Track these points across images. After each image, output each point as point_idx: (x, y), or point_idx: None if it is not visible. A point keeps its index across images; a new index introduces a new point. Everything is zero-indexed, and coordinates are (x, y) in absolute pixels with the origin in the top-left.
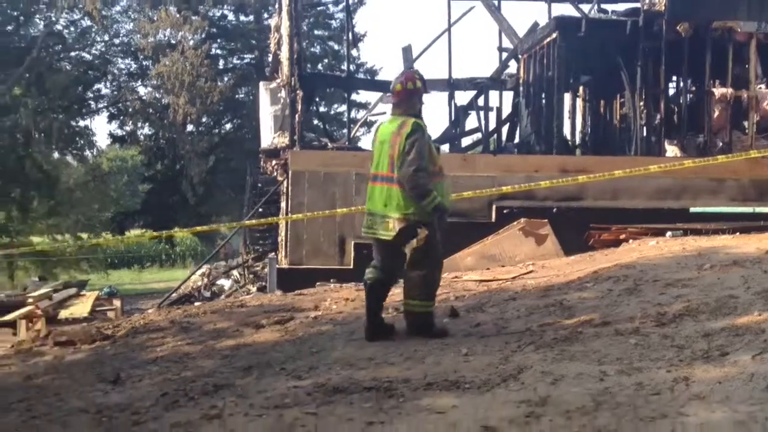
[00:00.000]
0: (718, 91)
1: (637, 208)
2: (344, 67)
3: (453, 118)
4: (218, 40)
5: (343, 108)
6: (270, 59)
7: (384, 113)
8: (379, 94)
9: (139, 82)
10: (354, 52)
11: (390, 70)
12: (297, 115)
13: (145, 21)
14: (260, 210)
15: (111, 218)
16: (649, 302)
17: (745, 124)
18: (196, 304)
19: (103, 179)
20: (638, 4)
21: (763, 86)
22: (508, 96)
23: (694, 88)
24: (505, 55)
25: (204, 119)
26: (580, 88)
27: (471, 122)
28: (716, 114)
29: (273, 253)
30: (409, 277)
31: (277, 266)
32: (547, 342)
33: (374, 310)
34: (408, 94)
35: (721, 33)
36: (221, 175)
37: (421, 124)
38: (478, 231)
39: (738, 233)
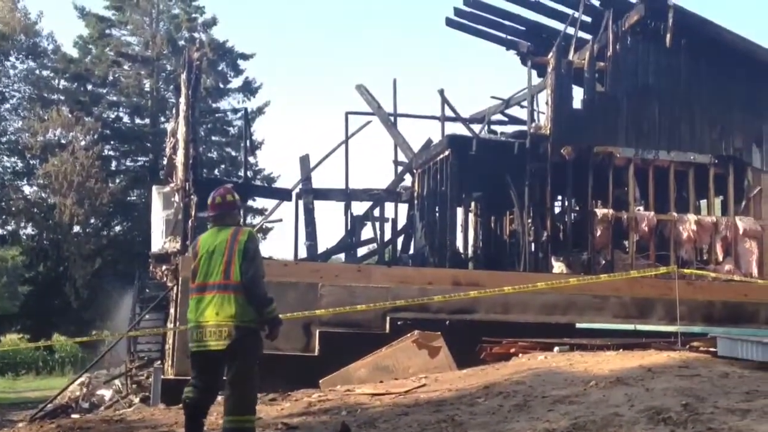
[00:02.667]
0: (600, 211)
1: (527, 322)
2: (241, 173)
3: (349, 227)
4: (112, 142)
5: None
6: (165, 162)
7: (281, 220)
8: (275, 202)
9: (25, 181)
10: (251, 159)
11: (288, 178)
12: (190, 221)
13: (35, 120)
14: (147, 317)
15: None
16: (538, 419)
17: (626, 243)
18: (73, 416)
19: None
20: (525, 127)
21: (641, 208)
22: (404, 208)
23: (578, 208)
24: (400, 168)
25: (92, 220)
26: (472, 204)
27: (367, 233)
28: (599, 233)
29: (159, 362)
30: (235, 391)
31: (162, 377)
32: None
33: None
34: (230, 206)
35: (602, 157)
36: (107, 278)
37: (255, 233)
38: (372, 342)
39: (621, 350)
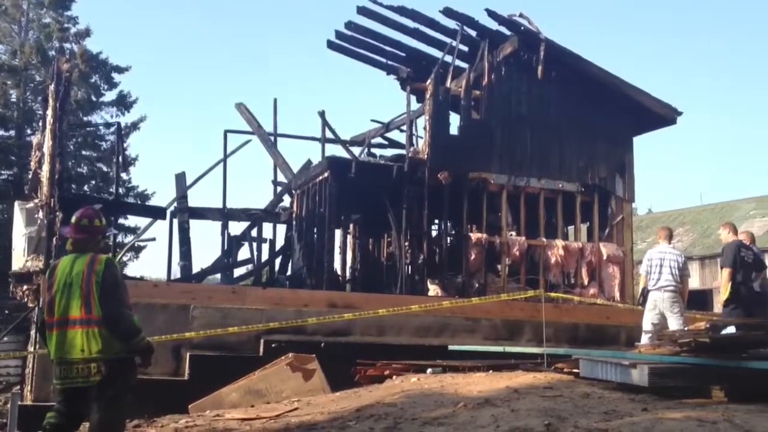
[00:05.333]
0: (474, 235)
1: (401, 344)
2: (113, 189)
3: (226, 248)
4: None
5: (110, 232)
6: (30, 177)
7: (154, 239)
8: (149, 220)
9: None
10: (124, 175)
11: (163, 195)
12: (55, 238)
13: None
14: (6, 339)
15: None
16: None
17: (499, 267)
18: None
19: None
20: (404, 151)
21: (513, 233)
22: (282, 229)
23: (453, 232)
24: (279, 188)
25: None
26: (351, 226)
27: (244, 253)
28: (473, 257)
29: (18, 387)
30: (102, 417)
31: (20, 403)
32: None
33: None
34: (96, 232)
35: (476, 183)
36: None
37: (113, 260)
38: (244, 365)
39: (491, 371)
